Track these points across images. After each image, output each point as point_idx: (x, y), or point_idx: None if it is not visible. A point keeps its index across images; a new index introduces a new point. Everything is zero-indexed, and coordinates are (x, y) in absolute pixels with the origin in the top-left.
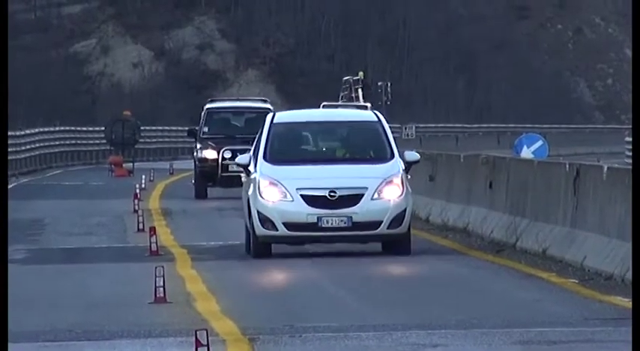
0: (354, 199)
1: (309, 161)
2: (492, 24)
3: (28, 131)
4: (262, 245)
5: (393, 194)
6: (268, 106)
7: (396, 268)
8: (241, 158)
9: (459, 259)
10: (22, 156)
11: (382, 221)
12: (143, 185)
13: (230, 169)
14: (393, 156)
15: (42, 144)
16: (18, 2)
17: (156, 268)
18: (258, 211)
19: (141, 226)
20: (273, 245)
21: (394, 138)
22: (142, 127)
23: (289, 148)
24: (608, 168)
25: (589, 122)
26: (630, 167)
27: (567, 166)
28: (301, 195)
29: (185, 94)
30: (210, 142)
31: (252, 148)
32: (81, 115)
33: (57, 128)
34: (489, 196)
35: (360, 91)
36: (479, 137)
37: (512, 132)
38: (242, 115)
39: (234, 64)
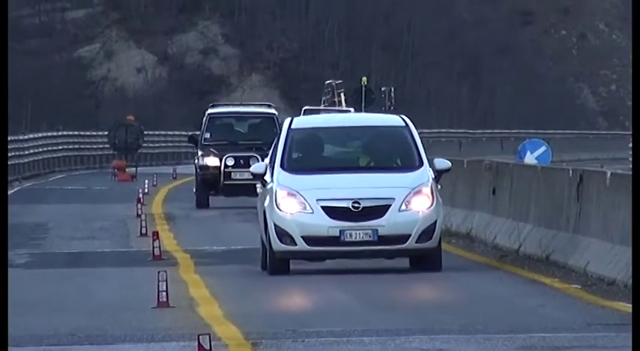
0: (379, 210)
1: (331, 170)
2: (496, 29)
3: (31, 135)
4: (280, 261)
5: (422, 205)
6: (273, 111)
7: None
8: (257, 167)
9: (463, 265)
10: (26, 160)
11: (410, 235)
12: (146, 190)
13: (233, 177)
14: (421, 164)
15: (45, 148)
16: (23, 7)
17: (159, 272)
18: (275, 224)
19: (144, 231)
20: (291, 261)
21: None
22: (145, 132)
23: (309, 156)
24: (611, 174)
25: (593, 128)
26: None
27: (571, 171)
28: (322, 206)
29: (188, 99)
30: (212, 149)
31: (269, 156)
32: (84, 120)
33: (60, 133)
34: (493, 201)
35: (342, 95)
36: (482, 143)
37: (516, 137)
38: (245, 121)
39: (238, 69)
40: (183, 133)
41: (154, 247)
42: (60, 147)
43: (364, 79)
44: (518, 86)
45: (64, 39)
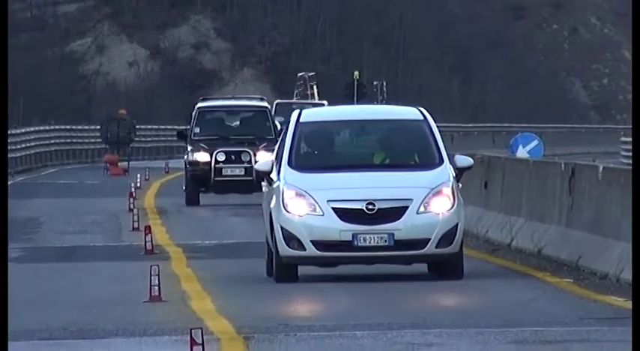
0: (396, 212)
1: (343, 168)
2: (488, 24)
3: (23, 130)
4: (287, 267)
5: (442, 207)
6: (265, 104)
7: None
8: (262, 164)
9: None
10: (18, 154)
11: (430, 239)
12: (138, 184)
13: (224, 173)
14: (442, 161)
15: (37, 143)
16: (14, 1)
17: (151, 266)
18: (282, 227)
19: (136, 225)
20: (299, 267)
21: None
22: (137, 126)
23: (319, 153)
24: (603, 168)
25: (585, 122)
26: (626, 167)
27: (563, 165)
28: (333, 208)
29: (180, 93)
30: (202, 144)
31: (275, 152)
32: (76, 114)
33: (52, 127)
34: (484, 195)
35: (315, 87)
36: (474, 137)
37: (508, 131)
38: (237, 115)
39: (230, 63)
40: (176, 127)
41: (146, 242)
42: (52, 141)
43: (356, 73)
44: (509, 80)
45: (55, 33)
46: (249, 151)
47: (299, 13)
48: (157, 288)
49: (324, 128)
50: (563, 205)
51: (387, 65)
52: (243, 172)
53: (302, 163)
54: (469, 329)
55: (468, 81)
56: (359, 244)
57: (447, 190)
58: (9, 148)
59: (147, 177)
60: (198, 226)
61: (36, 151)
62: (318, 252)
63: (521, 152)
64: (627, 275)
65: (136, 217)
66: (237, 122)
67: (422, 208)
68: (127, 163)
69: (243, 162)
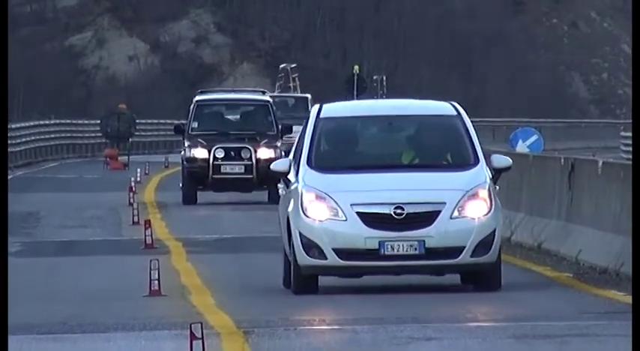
0: (427, 217)
1: (368, 168)
2: (488, 18)
3: (23, 124)
4: (306, 278)
5: (478, 211)
6: (267, 97)
7: None
8: (279, 164)
9: None
10: (18, 149)
11: (464, 247)
12: (138, 178)
13: (223, 170)
14: (477, 161)
15: (37, 137)
16: None
17: (151, 261)
18: (300, 234)
19: (136, 219)
20: (320, 277)
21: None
22: (137, 120)
23: (341, 151)
24: (603, 162)
25: (584, 116)
26: (625, 162)
27: (562, 160)
28: (358, 212)
29: (180, 88)
30: (199, 140)
31: (293, 151)
32: (76, 108)
33: (52, 121)
34: None
35: (297, 80)
36: None
37: (508, 126)
38: (237, 109)
39: (230, 58)
40: (175, 121)
41: (145, 236)
42: (52, 135)
43: (356, 67)
44: (509, 75)
45: (55, 27)
46: (250, 147)
47: (299, 8)
48: (156, 282)
49: (347, 124)
50: (563, 200)
51: (387, 59)
52: (243, 170)
53: (323, 162)
54: (468, 323)
55: (468, 75)
56: (386, 253)
57: (484, 193)
58: (9, 142)
59: (147, 171)
60: (198, 221)
61: (36, 145)
62: (340, 261)
63: (521, 147)
64: (627, 270)
65: (135, 212)
66: (238, 117)
67: (456, 213)
68: (126, 157)
69: (243, 159)
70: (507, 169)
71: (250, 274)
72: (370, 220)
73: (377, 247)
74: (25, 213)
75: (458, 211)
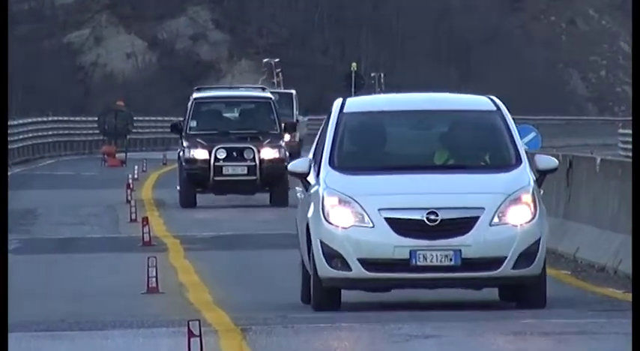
0: (464, 224)
1: (397, 169)
2: (486, 15)
3: (21, 121)
4: (328, 292)
5: (521, 218)
6: (269, 94)
7: None
8: (297, 164)
9: None
10: (15, 146)
11: (506, 257)
12: (136, 175)
13: (224, 172)
14: (520, 161)
15: (35, 134)
16: None
17: (148, 258)
18: (322, 243)
19: (133, 217)
20: (343, 291)
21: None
22: (135, 118)
23: (367, 150)
24: (601, 160)
25: (582, 114)
26: (623, 159)
27: (560, 157)
28: (386, 218)
29: (178, 85)
30: (199, 140)
31: (312, 150)
32: (74, 105)
33: (50, 118)
34: None
35: (281, 75)
36: None
37: None
38: (237, 106)
39: (228, 55)
40: (173, 118)
41: (143, 233)
42: (50, 132)
43: (354, 64)
44: (507, 72)
45: (53, 25)
46: (253, 147)
47: (297, 5)
48: (154, 279)
49: (374, 120)
50: (561, 197)
51: (385, 57)
52: (245, 171)
53: (347, 162)
54: (466, 321)
55: (466, 73)
56: (417, 263)
57: (527, 197)
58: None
59: (144, 168)
60: (195, 218)
61: (33, 142)
62: (367, 273)
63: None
64: (625, 267)
65: (133, 209)
66: (239, 115)
67: (496, 219)
68: (124, 154)
69: (245, 160)
70: (553, 170)
71: (248, 272)
72: (400, 226)
73: (407, 257)
74: (22, 210)
75: (498, 217)
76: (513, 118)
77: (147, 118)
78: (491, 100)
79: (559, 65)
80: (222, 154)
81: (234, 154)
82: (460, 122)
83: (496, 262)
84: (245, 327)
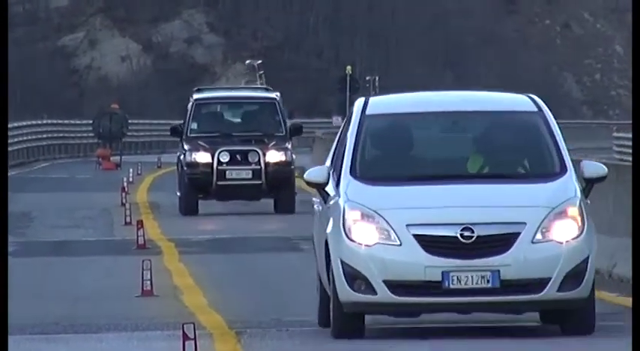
0: (502, 242)
1: (427, 179)
2: (481, 19)
3: (15, 124)
4: (350, 318)
5: (567, 234)
6: (273, 95)
7: None
8: (314, 173)
9: None
10: (10, 149)
11: (550, 278)
12: (131, 178)
13: (228, 176)
14: (565, 169)
15: (29, 137)
16: None
17: (143, 261)
18: (343, 262)
19: (128, 220)
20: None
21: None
22: (129, 121)
23: (393, 157)
24: None
25: (577, 117)
26: (618, 163)
27: None
28: (415, 235)
29: (173, 88)
30: (201, 143)
31: (331, 157)
32: (68, 108)
33: (44, 121)
34: None
35: (263, 77)
36: None
37: None
38: (240, 107)
39: (222, 58)
40: (168, 121)
41: (138, 236)
42: (44, 136)
43: (348, 68)
44: (502, 75)
45: (47, 28)
46: (258, 150)
47: (291, 8)
48: (149, 283)
49: (400, 123)
50: None
51: (380, 59)
52: (250, 175)
53: (370, 171)
54: (462, 324)
55: (461, 76)
56: (451, 286)
57: (574, 211)
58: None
59: (139, 171)
60: (190, 221)
61: (28, 145)
62: (393, 297)
63: None
64: (619, 271)
65: (128, 212)
66: (242, 117)
67: (539, 236)
68: (119, 157)
69: (250, 163)
70: (602, 179)
71: (243, 275)
72: (431, 244)
73: (439, 278)
74: (18, 213)
75: (541, 233)
76: None
77: (141, 121)
78: (532, 99)
79: (554, 68)
80: (225, 158)
81: (239, 157)
82: (497, 125)
83: (539, 283)
84: (239, 330)
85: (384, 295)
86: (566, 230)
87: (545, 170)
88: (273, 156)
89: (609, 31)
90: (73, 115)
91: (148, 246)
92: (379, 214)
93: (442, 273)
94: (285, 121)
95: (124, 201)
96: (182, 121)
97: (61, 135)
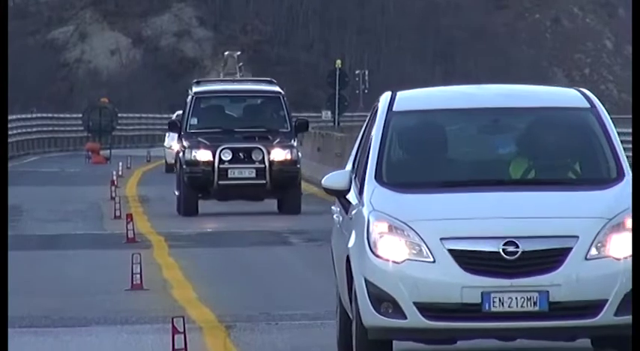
0: (551, 258)
1: (463, 185)
2: (471, 13)
3: None
4: (375, 345)
5: (625, 249)
6: (277, 88)
7: None
8: (334, 179)
9: None
10: None
11: (606, 300)
12: (120, 172)
13: (230, 175)
14: (621, 175)
15: (19, 131)
16: None
17: (133, 255)
18: (367, 282)
19: (118, 213)
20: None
21: None
22: (119, 114)
23: (424, 160)
24: None
25: None
26: None
27: None
28: (451, 250)
29: (163, 82)
30: (201, 139)
31: (352, 160)
32: (58, 102)
33: (34, 115)
34: None
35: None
36: None
37: None
38: (242, 102)
39: (212, 52)
40: (157, 115)
41: (127, 230)
42: (34, 129)
43: (338, 62)
44: (492, 70)
45: (37, 21)
46: (262, 147)
47: (281, 2)
48: (138, 276)
49: (432, 122)
50: None
51: (370, 54)
52: (254, 174)
53: (398, 177)
54: None
55: (451, 70)
56: (492, 309)
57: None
58: None
59: (129, 165)
60: (180, 215)
61: (18, 139)
62: (426, 321)
63: None
64: None
65: (117, 206)
66: (245, 111)
67: (593, 251)
68: (108, 151)
69: (254, 161)
70: None
71: (232, 269)
72: (469, 261)
73: (479, 301)
74: (8, 206)
75: (596, 248)
76: None
77: (131, 115)
78: (583, 94)
79: (543, 63)
80: (227, 156)
81: (241, 155)
82: (543, 123)
83: (594, 306)
84: (229, 324)
85: (414, 319)
86: (624, 245)
87: (600, 176)
88: (279, 154)
89: (599, 25)
90: (63, 109)
91: (137, 240)
92: (409, 226)
93: (482, 294)
94: (290, 117)
95: (113, 195)
96: (176, 114)
97: (51, 129)
